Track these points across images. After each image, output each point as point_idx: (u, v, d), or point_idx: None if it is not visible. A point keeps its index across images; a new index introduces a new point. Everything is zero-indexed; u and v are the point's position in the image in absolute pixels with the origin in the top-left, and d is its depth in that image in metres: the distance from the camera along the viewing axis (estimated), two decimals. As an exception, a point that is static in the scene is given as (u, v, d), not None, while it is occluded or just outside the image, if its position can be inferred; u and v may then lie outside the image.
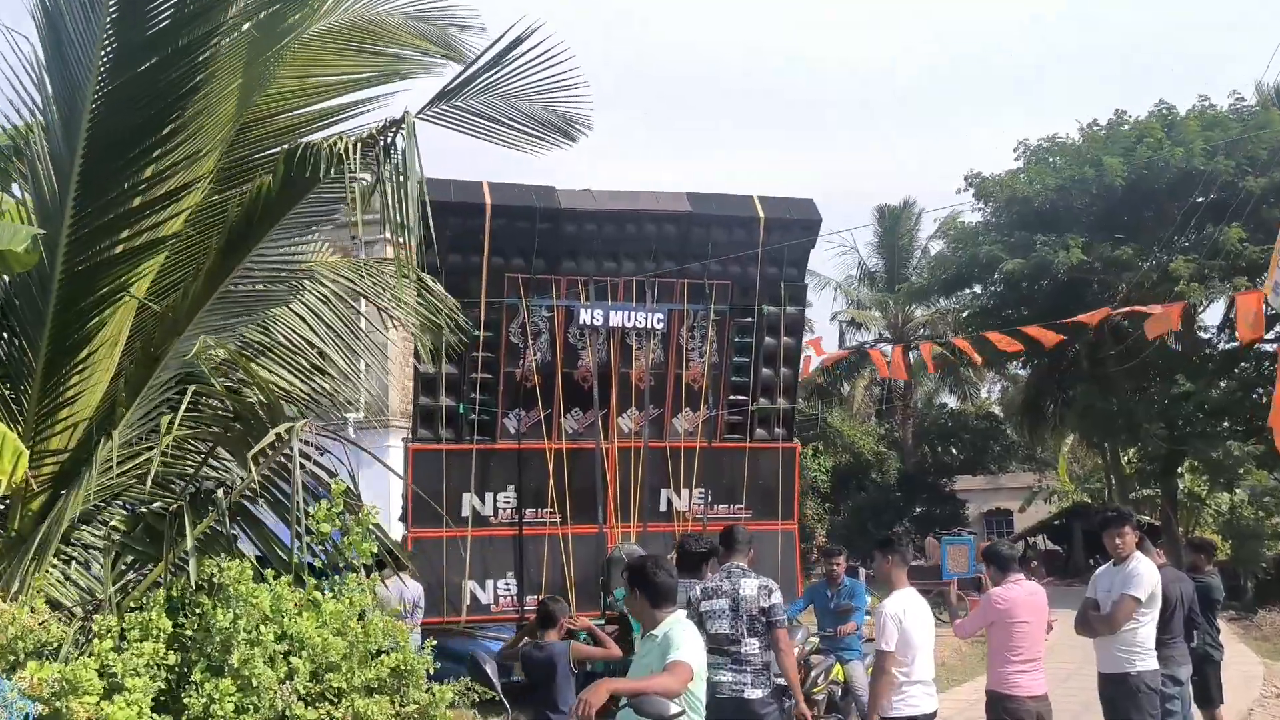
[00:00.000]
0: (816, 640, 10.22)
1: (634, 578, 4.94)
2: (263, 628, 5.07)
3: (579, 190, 12.99)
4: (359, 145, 5.87)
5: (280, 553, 5.81)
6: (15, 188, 6.78)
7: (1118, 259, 25.47)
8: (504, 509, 13.04)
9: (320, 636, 5.19)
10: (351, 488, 6.01)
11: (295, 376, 7.15)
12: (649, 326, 13.04)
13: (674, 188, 18.06)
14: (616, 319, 12.93)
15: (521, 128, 6.39)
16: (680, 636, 4.66)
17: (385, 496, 13.80)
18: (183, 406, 5.53)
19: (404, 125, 5.85)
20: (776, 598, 7.03)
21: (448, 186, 12.57)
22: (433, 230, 12.04)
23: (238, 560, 5.21)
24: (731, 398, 13.64)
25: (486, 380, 12.85)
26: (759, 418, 13.74)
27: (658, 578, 4.85)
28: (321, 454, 6.16)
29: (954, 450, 43.69)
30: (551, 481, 12.89)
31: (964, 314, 31.63)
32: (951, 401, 45.11)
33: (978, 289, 30.76)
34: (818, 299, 56.74)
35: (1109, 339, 28.14)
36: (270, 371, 7.06)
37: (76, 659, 4.67)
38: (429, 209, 6.07)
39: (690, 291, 13.25)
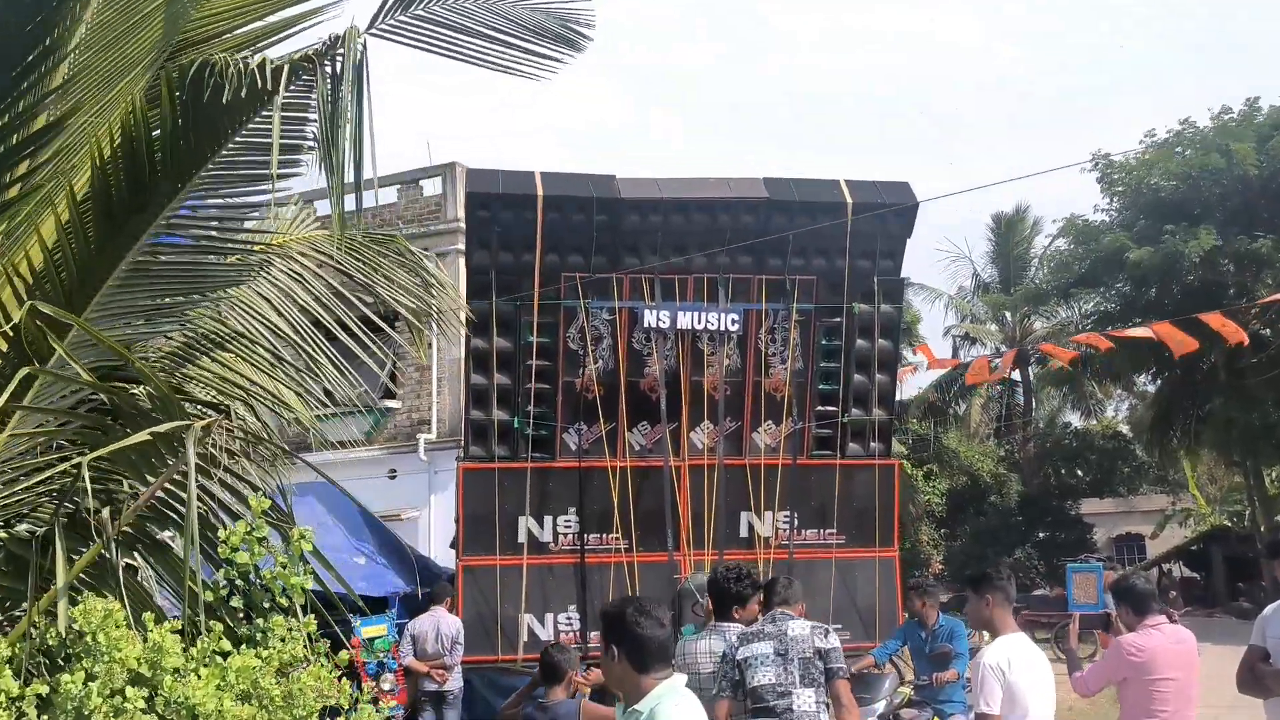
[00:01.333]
0: (909, 691, 8.64)
1: (610, 630, 3.58)
2: (130, 691, 3.80)
3: (642, 179, 11.65)
4: (288, 69, 4.64)
5: (194, 589, 4.55)
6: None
7: (1256, 253, 23.17)
8: (565, 534, 11.72)
9: (216, 702, 3.90)
10: (282, 505, 4.74)
11: (258, 372, 5.95)
12: (723, 329, 11.61)
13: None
14: (686, 321, 11.53)
15: (508, 38, 5.07)
16: (673, 716, 3.26)
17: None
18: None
19: (347, 44, 4.62)
20: (834, 640, 5.64)
21: (495, 177, 11.40)
22: (490, 227, 10.86)
23: (105, 599, 3.95)
24: (819, 408, 12.11)
25: (543, 391, 11.57)
26: (852, 431, 12.17)
27: (643, 629, 3.47)
28: (233, 460, 4.87)
29: (1079, 472, 41.06)
30: (616, 504, 11.53)
31: (1087, 323, 29.37)
32: (1075, 420, 42.46)
33: (1100, 294, 28.48)
34: (929, 312, 54.57)
35: (1248, 347, 25.95)
36: (225, 367, 5.89)
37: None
38: (374, 153, 4.78)
39: (769, 289, 11.78)
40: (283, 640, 4.37)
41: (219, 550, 4.40)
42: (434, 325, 7.27)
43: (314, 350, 6.34)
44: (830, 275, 11.83)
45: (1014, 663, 5.21)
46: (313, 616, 4.51)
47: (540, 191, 11.19)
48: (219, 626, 4.22)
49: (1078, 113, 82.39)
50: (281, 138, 5.19)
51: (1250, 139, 23.99)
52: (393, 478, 18.41)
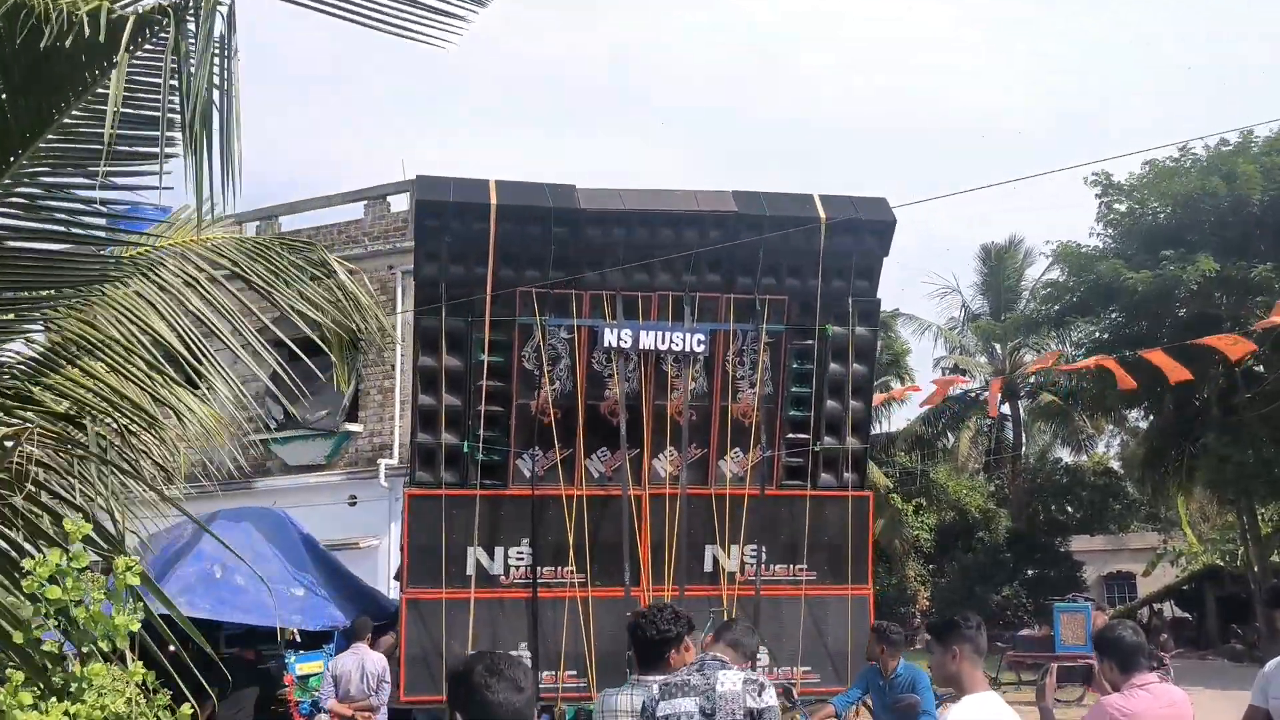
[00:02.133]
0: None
1: (454, 695, 2.88)
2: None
3: (603, 189, 10.99)
4: (134, 22, 3.98)
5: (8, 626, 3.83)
6: None
7: (1252, 281, 22.62)
8: (516, 567, 10.97)
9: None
10: (114, 530, 4.04)
11: (132, 383, 5.25)
12: (688, 349, 10.90)
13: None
14: (649, 341, 10.83)
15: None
16: None
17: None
18: None
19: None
20: (769, 698, 4.88)
21: (447, 185, 10.72)
22: (419, 233, 10.15)
23: None
24: (790, 436, 11.40)
25: (495, 414, 10.86)
26: (824, 460, 11.45)
27: (492, 694, 2.77)
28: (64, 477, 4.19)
29: (1069, 508, 40.38)
30: (572, 535, 10.80)
31: (1078, 353, 28.73)
32: (1066, 456, 41.77)
33: (1094, 323, 27.89)
34: (917, 345, 53.91)
35: (1242, 383, 25.36)
36: (93, 376, 5.19)
37: None
38: (236, 132, 4.13)
39: (738, 308, 11.10)
40: (101, 694, 3.66)
41: (24, 584, 3.69)
42: (365, 344, 6.55)
43: (205, 364, 5.64)
44: (803, 295, 11.16)
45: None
46: (139, 664, 3.81)
47: (494, 200, 10.52)
48: (18, 676, 3.51)
49: (1074, 136, 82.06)
50: (145, 108, 4.54)
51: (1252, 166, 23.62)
52: (353, 504, 17.69)
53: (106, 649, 3.67)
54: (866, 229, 11.14)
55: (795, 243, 11.05)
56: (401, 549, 10.95)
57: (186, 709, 3.92)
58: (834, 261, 11.14)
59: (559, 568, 10.92)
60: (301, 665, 10.80)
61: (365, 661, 10.60)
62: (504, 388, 10.84)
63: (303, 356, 6.43)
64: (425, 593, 10.72)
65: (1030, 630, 23.50)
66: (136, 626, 3.79)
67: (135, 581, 3.78)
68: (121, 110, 4.59)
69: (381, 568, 17.04)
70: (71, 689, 3.58)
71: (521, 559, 10.95)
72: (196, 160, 4.13)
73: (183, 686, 4.08)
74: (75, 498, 4.57)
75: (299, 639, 11.88)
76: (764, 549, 11.24)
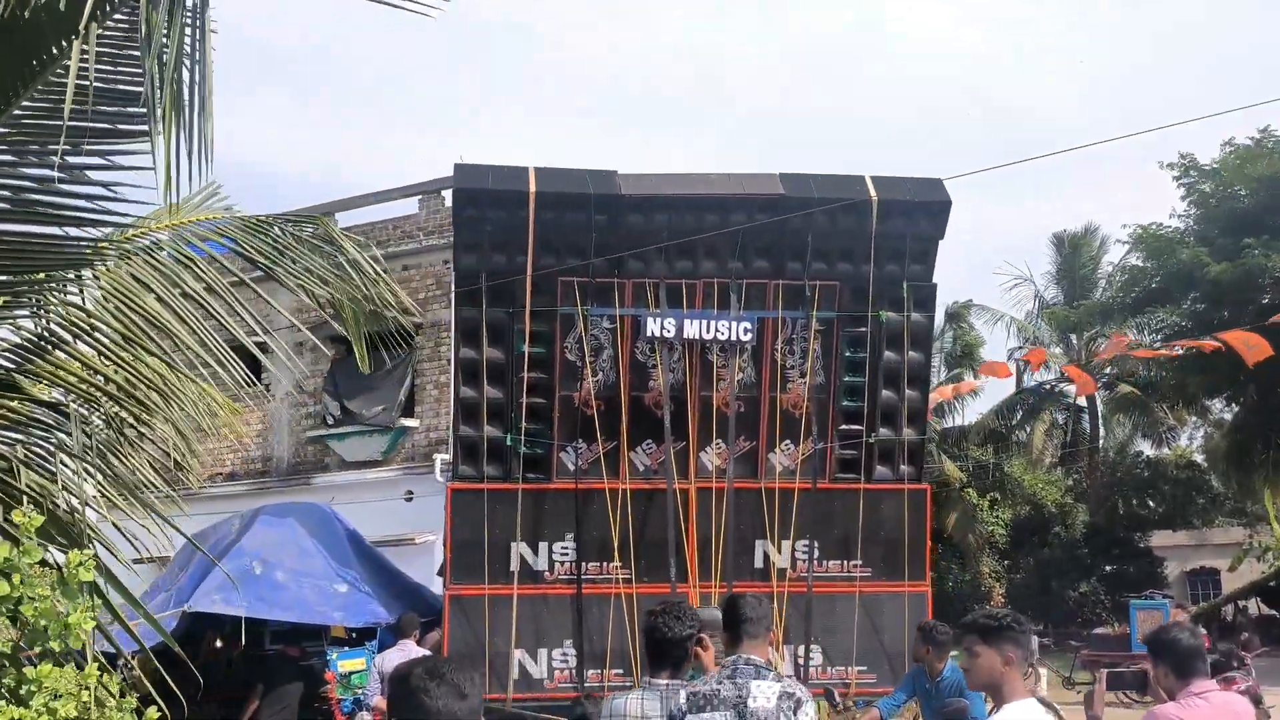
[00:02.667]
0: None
1: (394, 700, 2.60)
2: None
3: (645, 174, 10.68)
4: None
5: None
6: None
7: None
8: (561, 562, 10.73)
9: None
10: (77, 520, 3.83)
11: (113, 366, 5.06)
12: (735, 338, 10.56)
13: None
14: (694, 330, 10.50)
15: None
16: None
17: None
18: None
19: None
20: (806, 717, 4.48)
21: (485, 173, 10.50)
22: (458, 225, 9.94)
23: None
24: (843, 427, 11.00)
25: (538, 406, 10.62)
26: (879, 452, 11.04)
27: (431, 699, 2.49)
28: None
29: (1151, 503, 39.19)
30: (616, 530, 10.52)
31: (1156, 341, 27.76)
32: (1147, 449, 40.54)
33: (1174, 311, 26.89)
34: (990, 335, 52.78)
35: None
36: (84, 363, 5.01)
37: None
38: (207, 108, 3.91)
39: (786, 295, 10.73)
40: (56, 697, 3.44)
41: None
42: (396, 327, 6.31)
43: (208, 349, 5.43)
44: (855, 280, 10.75)
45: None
46: (95, 665, 3.58)
47: (533, 188, 10.27)
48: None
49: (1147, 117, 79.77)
50: (123, 83, 4.33)
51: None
52: (409, 500, 17.55)
53: (59, 649, 3.46)
54: (921, 210, 10.70)
55: (846, 226, 10.66)
56: (445, 544, 10.75)
57: (153, 712, 3.69)
58: (887, 244, 10.72)
59: (604, 563, 10.66)
60: (343, 663, 10.65)
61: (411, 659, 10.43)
62: (546, 379, 10.59)
63: (319, 345, 6.17)
64: (469, 589, 10.53)
65: (1105, 629, 22.74)
66: (91, 625, 3.57)
67: (89, 577, 3.56)
68: (100, 85, 4.40)
69: (437, 564, 16.89)
70: (21, 692, 3.38)
71: (566, 554, 10.70)
72: (165, 136, 3.93)
73: (151, 690, 3.86)
74: (56, 491, 4.39)
75: (351, 635, 11.76)
76: (816, 544, 10.86)
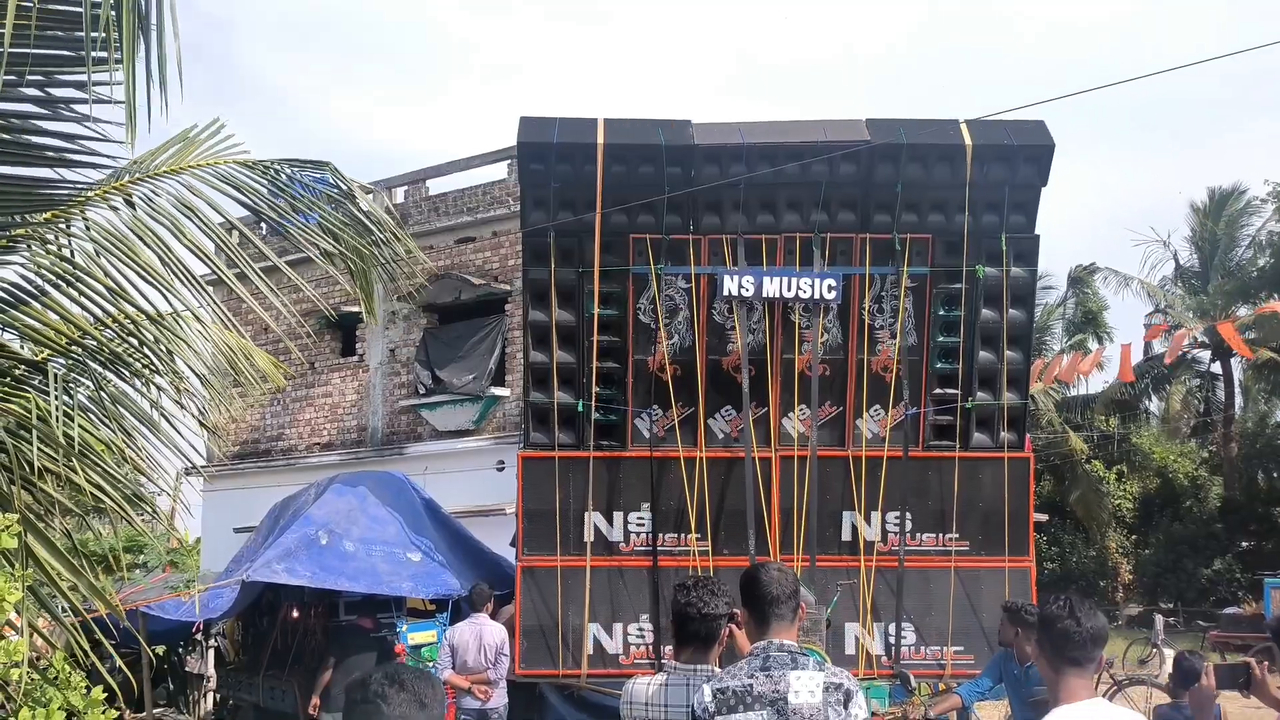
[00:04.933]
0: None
1: (348, 703, 2.46)
2: None
3: (721, 123, 10.07)
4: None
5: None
6: None
7: None
8: (637, 533, 10.26)
9: None
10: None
11: (109, 324, 4.72)
12: (818, 297, 9.89)
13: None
14: (773, 288, 9.86)
15: None
16: None
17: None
18: None
19: None
20: (859, 709, 3.90)
21: (551, 125, 10.00)
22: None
23: None
24: (937, 391, 10.25)
25: (611, 370, 10.14)
26: (977, 418, 10.27)
27: (389, 706, 2.39)
28: None
29: (1292, 476, 37.00)
30: (694, 500, 10.00)
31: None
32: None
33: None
34: (1119, 301, 50.51)
35: None
36: (62, 313, 4.68)
37: None
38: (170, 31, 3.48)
39: (875, 250, 10.02)
40: None
41: None
42: (385, 274, 5.87)
43: (207, 301, 5.06)
44: (948, 233, 9.97)
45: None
46: (24, 641, 3.21)
47: (601, 139, 9.75)
48: None
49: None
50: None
51: None
52: (500, 469, 17.32)
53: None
54: (1021, 156, 9.85)
55: (939, 175, 9.89)
56: (517, 514, 10.37)
57: (99, 692, 3.33)
58: (984, 194, 9.91)
59: (681, 534, 10.16)
60: (414, 635, 10.39)
61: (484, 632, 10.12)
62: (619, 343, 10.10)
63: (327, 309, 5.72)
64: (541, 560, 10.14)
65: (1235, 609, 21.40)
66: (17, 596, 3.21)
67: (12, 544, 3.20)
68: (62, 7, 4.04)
69: (526, 534, 16.68)
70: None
71: (642, 525, 10.23)
72: (124, 51, 3.52)
73: (102, 668, 3.50)
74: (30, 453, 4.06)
75: (428, 607, 11.52)
76: (909, 516, 10.16)
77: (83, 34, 4.24)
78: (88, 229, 4.68)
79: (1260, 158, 63.06)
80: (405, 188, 19.35)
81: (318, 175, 5.21)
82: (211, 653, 14.08)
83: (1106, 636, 3.49)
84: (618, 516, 10.24)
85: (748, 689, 3.94)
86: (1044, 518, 28.96)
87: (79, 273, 4.60)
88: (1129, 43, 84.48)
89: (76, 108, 4.52)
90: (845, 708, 3.89)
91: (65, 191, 4.56)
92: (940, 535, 10.26)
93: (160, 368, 4.87)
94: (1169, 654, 17.70)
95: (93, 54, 4.26)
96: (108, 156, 4.76)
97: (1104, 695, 12.20)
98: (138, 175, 4.90)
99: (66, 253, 4.64)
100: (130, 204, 4.77)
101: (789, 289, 9.84)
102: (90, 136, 4.59)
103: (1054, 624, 3.40)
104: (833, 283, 9.89)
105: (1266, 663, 4.35)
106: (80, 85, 4.38)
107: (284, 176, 5.20)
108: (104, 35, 3.80)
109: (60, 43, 4.13)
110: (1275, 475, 36.82)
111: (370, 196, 5.46)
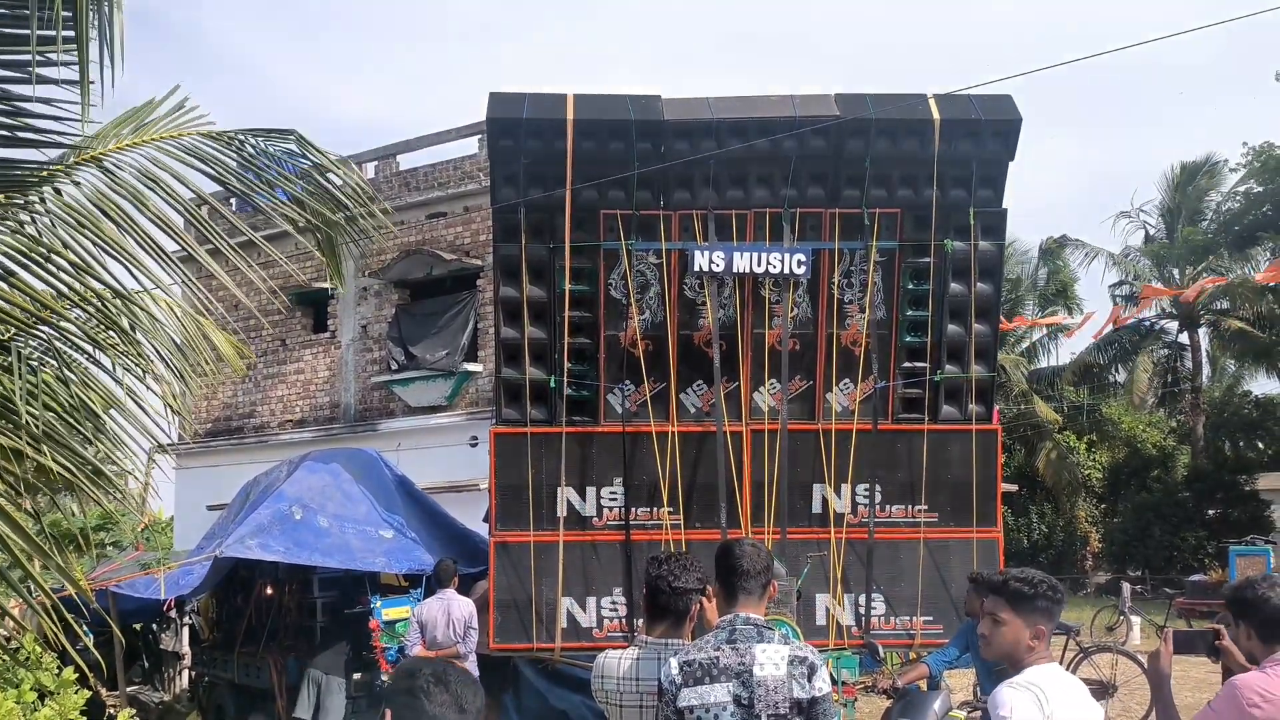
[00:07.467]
0: (962, 715, 6.92)
1: (391, 691, 2.63)
2: None
3: (691, 99, 10.07)
4: None
5: None
6: None
7: None
8: (609, 508, 10.32)
9: None
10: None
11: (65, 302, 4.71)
12: (788, 271, 9.94)
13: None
14: (744, 263, 9.90)
15: None
16: None
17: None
18: None
19: None
20: (822, 681, 3.96)
21: (520, 101, 9.98)
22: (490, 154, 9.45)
23: None
24: (906, 364, 10.35)
25: (582, 346, 10.17)
26: (946, 391, 10.38)
27: (431, 704, 2.50)
28: None
29: (1260, 444, 37.50)
30: (666, 474, 10.07)
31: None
32: (1256, 388, 38.73)
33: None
34: (1085, 273, 50.86)
35: None
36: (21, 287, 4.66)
37: None
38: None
39: (844, 224, 10.07)
40: None
41: None
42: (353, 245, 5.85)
43: (177, 277, 5.04)
44: (917, 207, 10.04)
45: (1048, 703, 3.56)
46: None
47: (571, 115, 9.74)
48: None
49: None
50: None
51: None
52: (474, 445, 17.32)
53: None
54: (988, 130, 9.91)
55: (908, 149, 9.95)
56: (489, 490, 10.41)
57: (70, 673, 3.35)
58: (952, 169, 9.98)
59: (654, 509, 10.23)
60: (387, 610, 10.42)
61: (451, 607, 10.17)
62: (590, 318, 10.13)
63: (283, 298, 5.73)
64: (515, 535, 10.19)
65: (1201, 576, 21.73)
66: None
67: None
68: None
69: (499, 510, 16.71)
70: None
71: (615, 499, 10.29)
72: (79, 25, 3.49)
73: (71, 649, 3.52)
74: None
75: (401, 583, 11.55)
76: (878, 488, 10.27)
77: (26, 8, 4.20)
78: (43, 202, 4.66)
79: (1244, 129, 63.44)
80: (375, 163, 19.24)
81: (284, 146, 5.19)
82: (186, 630, 14.09)
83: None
84: (590, 491, 10.29)
85: (714, 661, 3.99)
86: (1014, 488, 29.24)
87: (40, 249, 4.59)
88: (1105, 7, 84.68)
89: (14, 88, 4.49)
90: (809, 681, 3.94)
91: (20, 172, 4.53)
92: (909, 507, 10.37)
93: (125, 346, 4.86)
94: (1135, 621, 17.99)
95: (38, 19, 4.22)
96: (61, 134, 4.73)
97: (1071, 662, 12.40)
98: (100, 151, 4.87)
99: (31, 230, 4.62)
100: (98, 174, 4.75)
101: (759, 264, 9.89)
102: (43, 115, 4.55)
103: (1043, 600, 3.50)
104: (802, 257, 9.94)
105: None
106: (24, 65, 4.34)
107: (249, 147, 5.17)
108: (51, 11, 3.77)
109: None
110: (1242, 444, 37.32)
111: (336, 161, 5.42)
